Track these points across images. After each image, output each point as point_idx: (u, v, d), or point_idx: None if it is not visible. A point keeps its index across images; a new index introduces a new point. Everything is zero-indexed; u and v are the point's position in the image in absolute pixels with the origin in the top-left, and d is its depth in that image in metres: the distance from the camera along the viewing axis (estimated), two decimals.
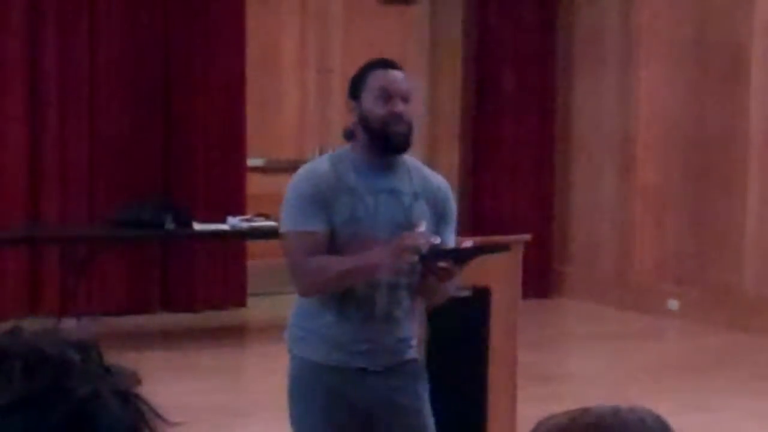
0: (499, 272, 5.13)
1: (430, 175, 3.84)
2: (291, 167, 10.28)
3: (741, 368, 8.13)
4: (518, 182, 10.64)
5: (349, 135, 4.26)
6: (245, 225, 8.78)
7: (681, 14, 9.75)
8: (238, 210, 9.32)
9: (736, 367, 8.19)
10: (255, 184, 9.90)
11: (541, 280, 10.38)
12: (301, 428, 3.78)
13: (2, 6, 8.91)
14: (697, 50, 9.61)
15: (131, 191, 9.18)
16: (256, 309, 9.79)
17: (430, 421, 3.84)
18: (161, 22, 9.47)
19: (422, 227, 3.66)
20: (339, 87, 10.60)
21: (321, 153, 10.43)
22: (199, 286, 9.67)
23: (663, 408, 1.55)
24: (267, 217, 8.92)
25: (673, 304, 9.71)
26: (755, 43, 9.14)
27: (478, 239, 3.71)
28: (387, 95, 3.67)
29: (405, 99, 3.70)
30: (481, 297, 5.20)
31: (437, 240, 3.59)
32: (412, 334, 3.84)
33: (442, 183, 3.86)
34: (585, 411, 1.48)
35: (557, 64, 10.74)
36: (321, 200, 3.62)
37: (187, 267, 9.66)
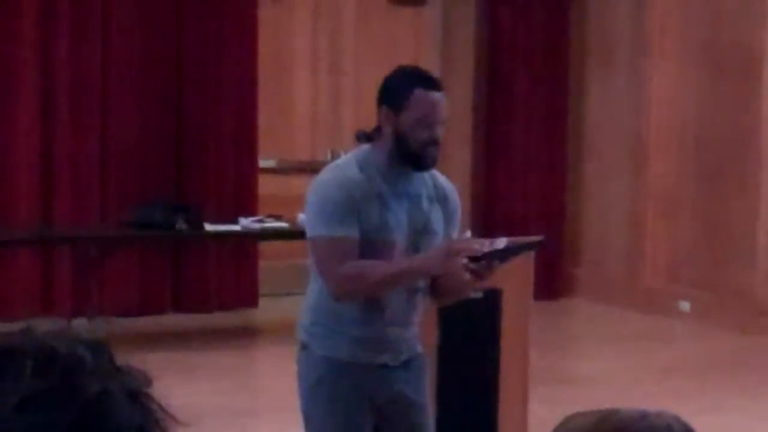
0: (510, 273, 5.12)
1: (439, 177, 3.90)
2: (303, 168, 10.40)
3: (753, 370, 8.12)
4: (530, 183, 10.64)
5: (362, 137, 4.27)
6: (257, 226, 8.79)
7: (693, 14, 9.74)
8: (250, 211, 9.33)
9: (748, 369, 8.17)
10: (267, 185, 9.91)
11: (552, 281, 10.38)
12: (321, 423, 3.80)
13: (15, 10, 8.92)
14: (710, 50, 9.60)
15: (143, 192, 9.20)
16: (268, 310, 9.80)
17: (430, 418, 3.96)
18: (173, 23, 9.49)
19: (468, 234, 3.85)
20: (351, 88, 10.62)
21: (333, 155, 10.43)
22: (210, 286, 9.68)
23: (674, 410, 1.55)
24: (278, 218, 8.93)
25: (685, 305, 9.70)
26: None
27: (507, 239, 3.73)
28: (429, 122, 3.70)
29: (443, 123, 3.75)
30: (492, 298, 5.21)
31: (485, 245, 3.63)
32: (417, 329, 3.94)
33: (450, 186, 3.93)
34: (613, 413, 1.48)
35: (569, 65, 10.74)
36: (353, 207, 3.65)
37: (199, 268, 9.67)
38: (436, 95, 3.73)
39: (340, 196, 3.65)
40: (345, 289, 3.67)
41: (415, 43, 10.81)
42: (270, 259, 9.95)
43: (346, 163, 3.77)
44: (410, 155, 3.71)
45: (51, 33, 9.07)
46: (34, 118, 9.03)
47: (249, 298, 9.86)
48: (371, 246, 3.66)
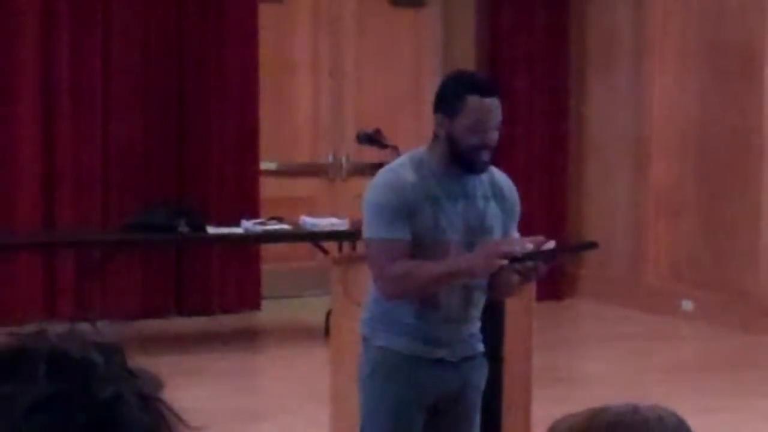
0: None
1: (496, 174, 4.00)
2: (304, 170, 10.41)
3: (755, 370, 8.12)
4: (532, 184, 10.62)
5: (363, 139, 4.31)
6: (259, 228, 8.79)
7: (694, 15, 9.74)
8: (252, 213, 9.33)
9: (751, 368, 8.17)
10: (269, 188, 9.91)
11: (555, 281, 10.37)
12: (374, 412, 3.91)
13: (16, 12, 8.93)
14: (711, 51, 9.60)
15: (145, 195, 9.21)
16: (270, 312, 9.80)
17: (478, 419, 4.07)
18: (174, 26, 9.50)
19: (516, 234, 3.92)
20: (352, 90, 10.62)
21: (334, 157, 10.46)
22: (213, 289, 9.69)
23: (676, 409, 1.56)
24: (281, 220, 8.93)
25: (688, 305, 9.70)
26: None
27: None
28: (483, 127, 3.78)
29: (497, 128, 3.84)
30: (495, 300, 5.20)
31: (529, 247, 3.70)
32: (478, 328, 4.02)
33: (508, 181, 4.04)
34: (604, 409, 1.49)
35: (570, 65, 10.74)
36: (406, 209, 3.75)
37: (201, 271, 9.67)
38: (489, 101, 3.81)
39: (392, 199, 3.76)
40: (393, 288, 3.79)
41: (416, 45, 10.82)
42: (272, 261, 9.96)
43: (401, 165, 3.86)
44: (462, 159, 3.80)
45: (52, 37, 9.08)
46: (35, 121, 9.03)
47: (251, 300, 9.86)
48: (426, 247, 3.77)
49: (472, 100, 3.78)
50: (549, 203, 10.65)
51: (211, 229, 8.62)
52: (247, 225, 8.75)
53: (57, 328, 1.09)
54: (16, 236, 8.75)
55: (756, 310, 9.16)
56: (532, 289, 5.53)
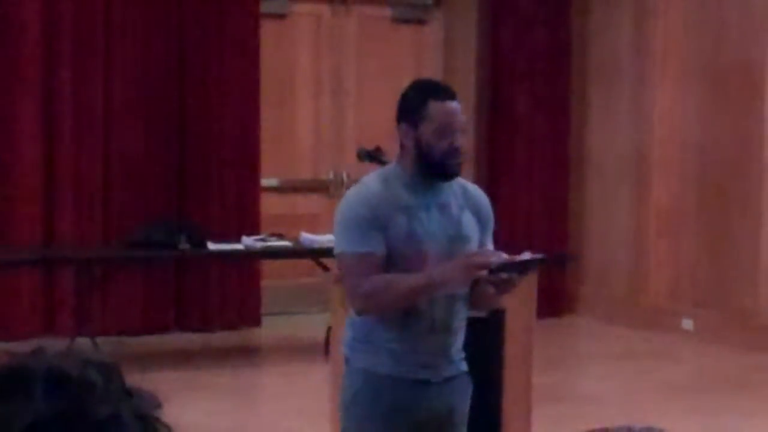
0: (514, 293, 5.12)
1: (468, 185, 3.97)
2: (305, 187, 10.41)
3: (756, 389, 8.11)
4: (532, 202, 10.64)
5: (364, 156, 4.30)
6: (259, 245, 8.79)
7: (695, 34, 9.75)
8: (253, 230, 9.33)
9: (751, 387, 8.16)
10: (269, 204, 9.92)
11: (555, 299, 10.37)
12: None
13: (18, 25, 8.95)
14: (712, 70, 9.61)
15: (145, 211, 9.21)
16: (271, 329, 9.80)
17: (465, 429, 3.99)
18: (176, 42, 9.51)
19: (491, 246, 3.85)
20: (353, 107, 10.63)
21: (335, 174, 10.46)
22: (213, 305, 9.68)
23: (677, 429, 1.55)
24: (281, 236, 8.93)
25: (688, 323, 9.69)
26: None
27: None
28: (449, 130, 3.75)
29: (463, 130, 3.81)
30: (496, 317, 5.20)
31: (504, 257, 3.68)
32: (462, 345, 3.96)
33: (481, 193, 3.99)
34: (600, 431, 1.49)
35: (571, 83, 10.75)
36: (377, 221, 3.70)
37: (202, 287, 9.67)
38: (451, 104, 3.78)
39: (363, 212, 3.71)
40: (368, 304, 3.73)
41: (417, 61, 10.83)
42: (273, 278, 9.95)
43: (370, 180, 3.83)
44: (434, 166, 3.76)
45: (54, 52, 9.09)
46: (36, 137, 9.04)
47: (252, 317, 9.85)
48: (402, 258, 3.72)
49: (435, 105, 3.75)
50: (549, 220, 10.65)
51: (212, 246, 8.62)
52: (248, 241, 8.75)
53: (55, 347, 1.08)
54: (16, 252, 8.75)
55: (756, 329, 9.15)
56: (532, 306, 5.52)
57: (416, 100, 3.80)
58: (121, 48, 9.33)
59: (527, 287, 5.35)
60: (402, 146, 3.82)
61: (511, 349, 5.31)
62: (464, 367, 3.93)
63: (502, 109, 10.61)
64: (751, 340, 9.12)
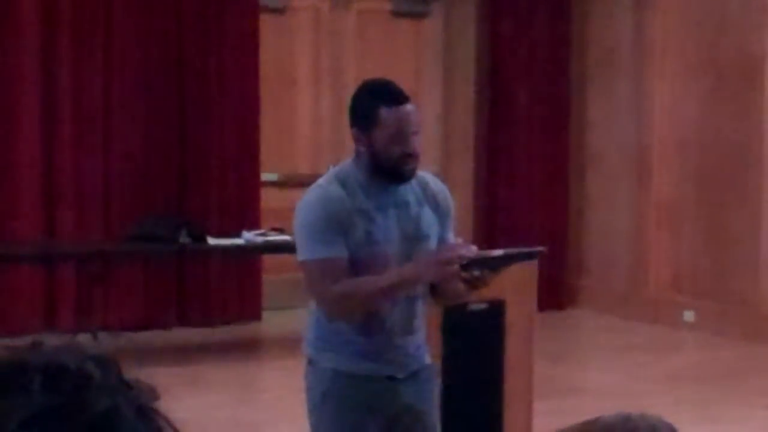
0: (514, 285, 5.13)
1: (429, 179, 3.90)
2: (305, 182, 10.33)
3: (757, 380, 8.11)
4: (533, 195, 10.64)
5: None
6: (260, 239, 8.79)
7: (695, 24, 9.75)
8: (253, 225, 9.33)
9: (752, 378, 8.16)
10: (270, 199, 9.91)
11: (556, 292, 10.37)
12: None
13: (17, 23, 8.94)
14: (712, 62, 9.61)
15: (146, 206, 9.21)
16: (271, 323, 9.80)
17: (437, 421, 3.96)
18: (176, 38, 9.51)
19: (460, 240, 3.76)
20: None
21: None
22: (214, 300, 9.68)
23: (679, 420, 1.55)
24: (281, 231, 8.93)
25: (689, 315, 9.69)
26: None
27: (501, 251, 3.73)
28: (402, 136, 3.66)
29: (416, 132, 3.72)
30: (496, 310, 5.21)
31: (475, 250, 3.62)
32: (425, 339, 3.92)
33: (441, 186, 3.91)
34: (594, 420, 1.49)
35: (570, 76, 10.74)
36: (337, 225, 3.64)
37: (202, 282, 9.67)
38: (403, 109, 3.68)
39: (323, 216, 3.65)
40: (338, 310, 3.68)
41: (417, 55, 10.82)
42: (273, 272, 9.95)
43: (327, 181, 3.75)
44: (388, 170, 3.70)
45: (53, 49, 9.09)
46: (36, 133, 9.04)
47: (252, 311, 9.86)
48: (363, 262, 3.66)
49: (385, 111, 3.65)
50: (550, 214, 10.65)
51: (212, 240, 8.62)
52: (248, 236, 8.75)
53: (53, 341, 1.08)
54: (17, 247, 8.75)
55: (757, 320, 9.16)
56: (533, 299, 5.53)
57: (367, 106, 3.70)
58: (121, 43, 9.32)
59: (527, 280, 5.36)
60: (357, 148, 3.76)
61: (512, 342, 5.31)
62: (427, 359, 3.90)
63: (502, 101, 10.60)
64: (751, 331, 9.12)
